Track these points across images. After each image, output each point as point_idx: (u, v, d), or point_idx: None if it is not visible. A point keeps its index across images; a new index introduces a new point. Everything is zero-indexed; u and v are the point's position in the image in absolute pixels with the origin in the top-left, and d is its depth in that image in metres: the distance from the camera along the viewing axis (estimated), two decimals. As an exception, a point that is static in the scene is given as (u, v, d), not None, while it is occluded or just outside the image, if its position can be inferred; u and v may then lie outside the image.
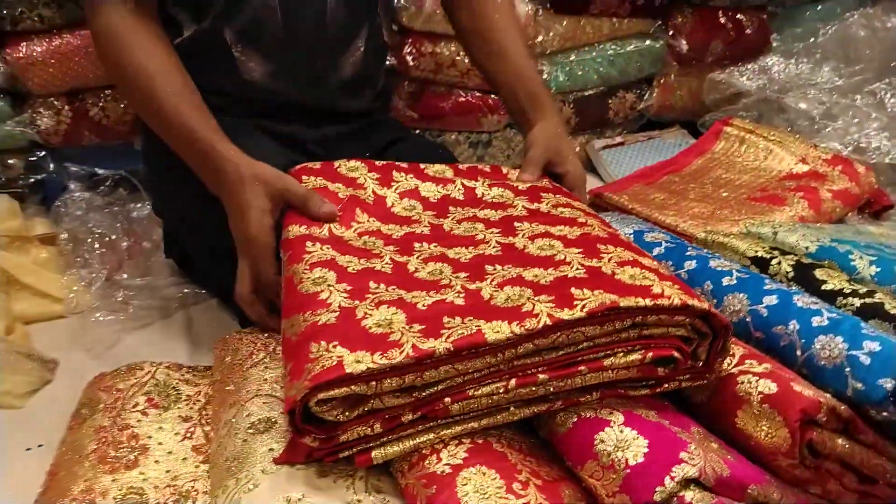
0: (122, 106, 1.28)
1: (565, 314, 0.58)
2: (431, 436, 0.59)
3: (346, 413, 0.57)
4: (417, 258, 0.72)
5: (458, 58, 1.37)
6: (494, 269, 0.68)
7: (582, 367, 0.60)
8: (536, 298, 0.61)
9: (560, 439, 0.60)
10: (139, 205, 1.29)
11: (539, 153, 0.92)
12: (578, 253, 0.68)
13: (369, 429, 0.58)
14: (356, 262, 0.70)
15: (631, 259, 0.66)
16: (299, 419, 0.57)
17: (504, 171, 0.91)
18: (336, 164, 0.86)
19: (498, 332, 0.58)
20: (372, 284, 0.66)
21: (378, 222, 0.79)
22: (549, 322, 0.58)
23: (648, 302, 0.59)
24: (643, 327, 0.61)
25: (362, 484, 0.60)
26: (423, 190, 0.84)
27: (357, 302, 0.63)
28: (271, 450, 0.63)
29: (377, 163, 0.87)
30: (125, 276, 1.16)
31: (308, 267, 0.69)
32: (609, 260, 0.66)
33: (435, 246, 0.74)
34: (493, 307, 0.61)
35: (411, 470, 0.58)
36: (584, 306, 0.59)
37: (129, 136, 1.32)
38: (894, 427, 0.58)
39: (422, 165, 0.88)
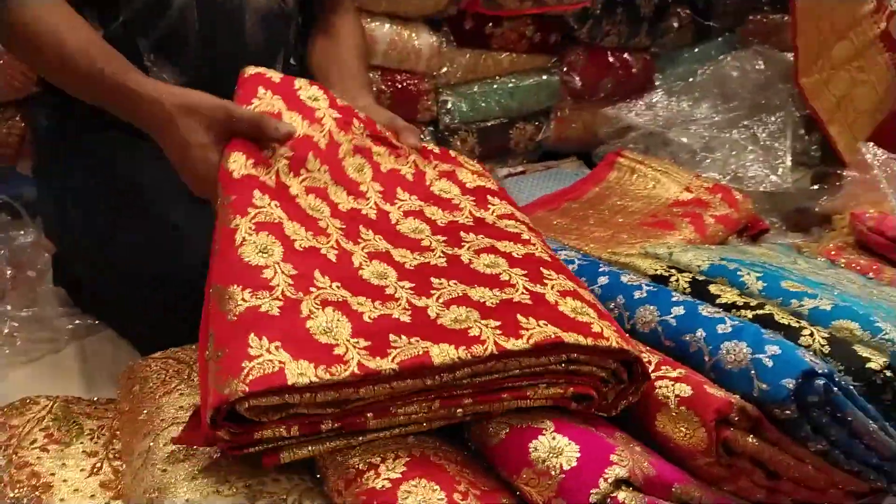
0: (4, 130, 1.20)
1: (510, 344, 0.59)
2: (342, 441, 0.58)
3: (269, 415, 0.55)
4: (363, 249, 0.71)
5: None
6: (440, 284, 0.68)
7: (505, 395, 0.61)
8: (484, 322, 0.62)
9: (493, 450, 0.60)
10: (22, 232, 1.21)
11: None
12: (523, 275, 0.69)
13: (286, 431, 0.56)
14: (303, 237, 0.68)
15: (572, 289, 0.68)
16: (222, 416, 0.54)
17: (452, 154, 0.90)
18: (296, 83, 0.81)
19: (444, 355, 0.58)
20: (317, 274, 0.65)
21: (327, 175, 0.76)
22: (495, 350, 0.59)
23: (589, 342, 0.61)
24: (571, 363, 0.62)
25: (295, 506, 0.58)
26: (375, 154, 0.82)
27: (302, 295, 0.62)
28: (193, 478, 0.60)
29: (338, 100, 0.84)
30: (9, 307, 1.08)
31: (254, 227, 0.65)
32: (552, 288, 0.67)
33: (380, 239, 0.74)
34: (439, 327, 0.62)
35: (349, 488, 0.56)
36: (529, 337, 0.60)
37: (11, 160, 1.24)
38: (796, 425, 0.63)
39: (378, 126, 0.87)
